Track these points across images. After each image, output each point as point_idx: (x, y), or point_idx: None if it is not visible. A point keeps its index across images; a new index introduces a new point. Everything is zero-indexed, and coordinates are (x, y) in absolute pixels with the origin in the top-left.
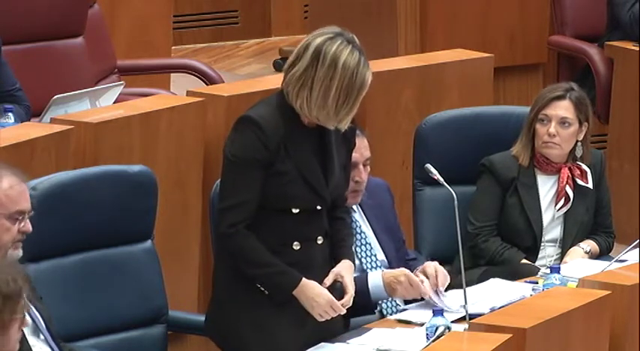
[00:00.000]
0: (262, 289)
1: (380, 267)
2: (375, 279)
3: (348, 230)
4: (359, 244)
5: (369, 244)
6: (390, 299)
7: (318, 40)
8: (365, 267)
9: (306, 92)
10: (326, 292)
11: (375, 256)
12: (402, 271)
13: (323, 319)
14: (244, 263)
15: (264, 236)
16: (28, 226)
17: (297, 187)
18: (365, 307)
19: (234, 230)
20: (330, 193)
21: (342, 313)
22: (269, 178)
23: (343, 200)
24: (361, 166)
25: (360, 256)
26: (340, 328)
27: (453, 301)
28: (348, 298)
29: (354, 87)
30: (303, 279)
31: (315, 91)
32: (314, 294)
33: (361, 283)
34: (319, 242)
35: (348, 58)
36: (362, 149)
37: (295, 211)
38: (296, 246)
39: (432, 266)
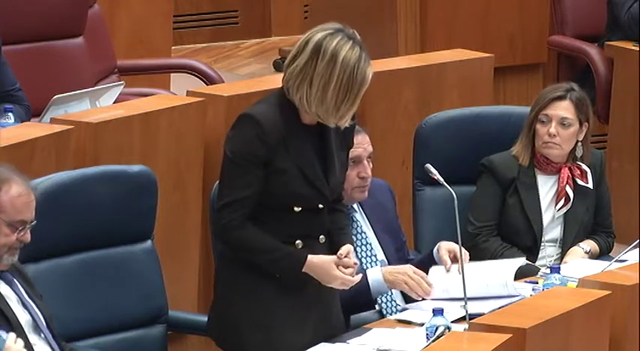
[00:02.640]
0: (276, 275)
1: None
2: (374, 274)
3: (347, 221)
4: (359, 244)
5: (370, 244)
6: (390, 294)
7: (319, 36)
8: (365, 267)
9: (306, 87)
10: (328, 258)
11: (375, 256)
12: (405, 266)
13: (346, 287)
14: (250, 252)
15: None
16: (27, 236)
17: (298, 185)
18: (365, 304)
19: (231, 224)
20: (331, 190)
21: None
22: (270, 176)
23: (341, 197)
24: (365, 162)
25: (360, 256)
26: (340, 328)
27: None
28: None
29: (355, 83)
30: (309, 256)
31: (314, 86)
32: (322, 267)
33: (361, 279)
34: (321, 241)
35: (348, 54)
36: (365, 144)
37: (297, 209)
38: (299, 244)
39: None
